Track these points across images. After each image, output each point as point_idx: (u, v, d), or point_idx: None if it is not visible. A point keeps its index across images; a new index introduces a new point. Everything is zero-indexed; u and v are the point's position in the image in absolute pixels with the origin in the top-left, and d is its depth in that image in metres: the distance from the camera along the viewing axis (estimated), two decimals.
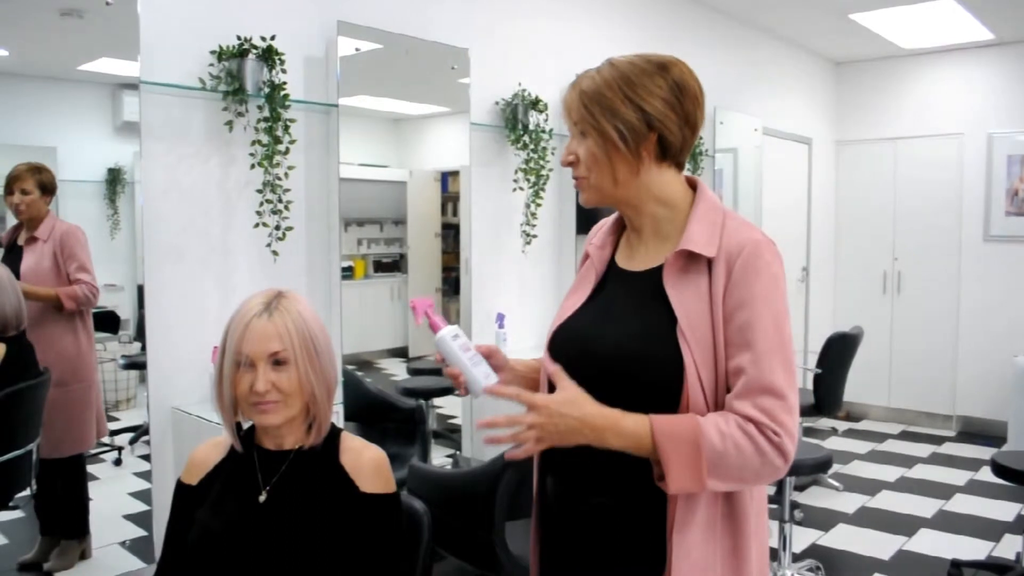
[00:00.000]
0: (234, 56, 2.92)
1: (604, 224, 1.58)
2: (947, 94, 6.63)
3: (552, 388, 1.38)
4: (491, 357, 1.50)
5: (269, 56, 2.96)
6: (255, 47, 2.94)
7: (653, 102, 1.37)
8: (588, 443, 1.28)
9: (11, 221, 2.74)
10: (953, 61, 6.58)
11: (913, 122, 6.77)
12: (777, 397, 1.28)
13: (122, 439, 3.04)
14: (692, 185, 1.47)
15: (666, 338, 1.33)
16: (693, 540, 1.33)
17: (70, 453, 2.83)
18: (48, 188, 2.73)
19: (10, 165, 2.68)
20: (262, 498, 1.57)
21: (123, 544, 2.90)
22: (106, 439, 2.99)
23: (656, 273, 1.40)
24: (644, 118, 1.36)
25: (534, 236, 4.25)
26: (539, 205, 4.22)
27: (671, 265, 1.38)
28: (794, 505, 4.44)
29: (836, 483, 5.15)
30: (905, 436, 6.47)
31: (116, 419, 3.05)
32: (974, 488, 5.13)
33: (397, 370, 4.04)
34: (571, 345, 1.45)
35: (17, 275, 2.67)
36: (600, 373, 1.36)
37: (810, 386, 4.80)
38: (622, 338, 1.38)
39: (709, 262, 1.35)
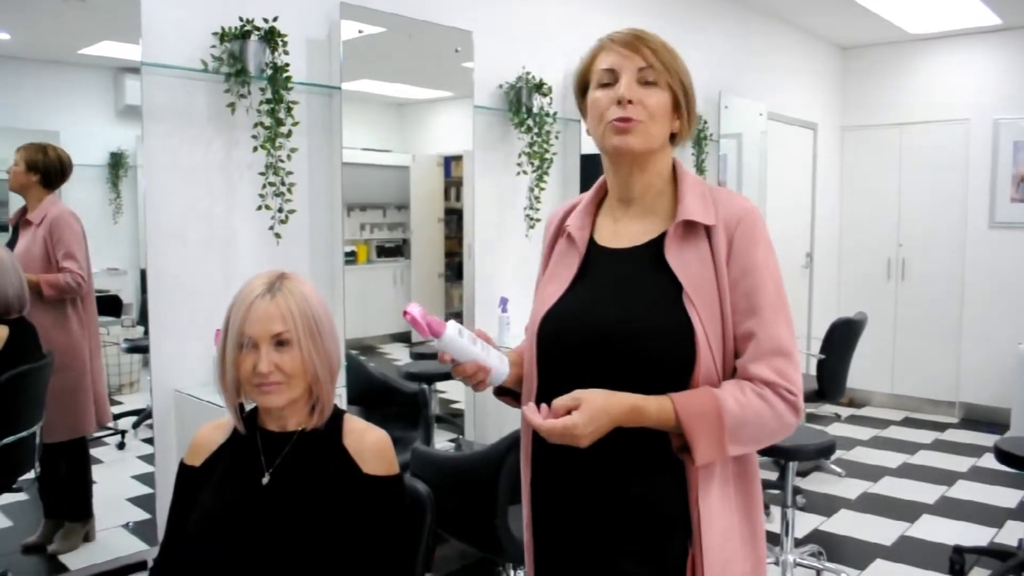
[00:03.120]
0: (236, 38, 2.91)
1: (576, 206, 1.56)
2: (953, 79, 6.58)
3: (543, 381, 1.43)
4: (487, 342, 1.46)
5: (271, 38, 2.94)
6: (257, 28, 2.92)
7: (689, 79, 1.43)
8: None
9: (15, 205, 2.73)
10: (960, 46, 6.54)
11: (919, 108, 6.73)
12: (786, 357, 1.34)
13: (125, 423, 3.04)
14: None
15: (673, 307, 1.34)
16: (714, 505, 1.37)
17: (63, 439, 2.78)
18: (33, 167, 2.67)
19: (12, 149, 2.67)
20: (265, 480, 1.56)
21: (126, 527, 2.91)
22: (109, 423, 2.99)
23: (651, 247, 1.42)
24: (688, 92, 1.43)
25: (538, 220, 4.23)
26: (543, 189, 4.20)
27: (672, 236, 1.39)
28: (796, 490, 4.44)
29: (839, 469, 5.15)
30: (908, 423, 6.47)
31: (119, 403, 3.05)
32: (977, 475, 5.13)
33: (400, 355, 4.04)
34: (568, 329, 1.42)
35: None
36: (606, 351, 1.36)
37: (813, 372, 4.80)
38: (627, 312, 1.37)
39: (707, 231, 1.38)
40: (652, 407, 1.29)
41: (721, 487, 1.38)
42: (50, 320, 2.69)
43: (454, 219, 4.15)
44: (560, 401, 1.29)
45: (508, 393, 1.56)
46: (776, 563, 3.60)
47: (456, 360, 1.39)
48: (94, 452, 2.94)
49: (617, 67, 1.40)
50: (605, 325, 1.38)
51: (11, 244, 2.71)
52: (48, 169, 2.70)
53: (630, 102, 1.37)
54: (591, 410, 1.26)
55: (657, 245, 1.41)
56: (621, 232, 1.47)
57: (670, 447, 1.34)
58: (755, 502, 1.44)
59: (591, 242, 1.50)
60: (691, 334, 1.32)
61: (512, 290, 4.13)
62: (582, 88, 1.50)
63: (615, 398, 1.29)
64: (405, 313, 1.32)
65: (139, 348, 2.98)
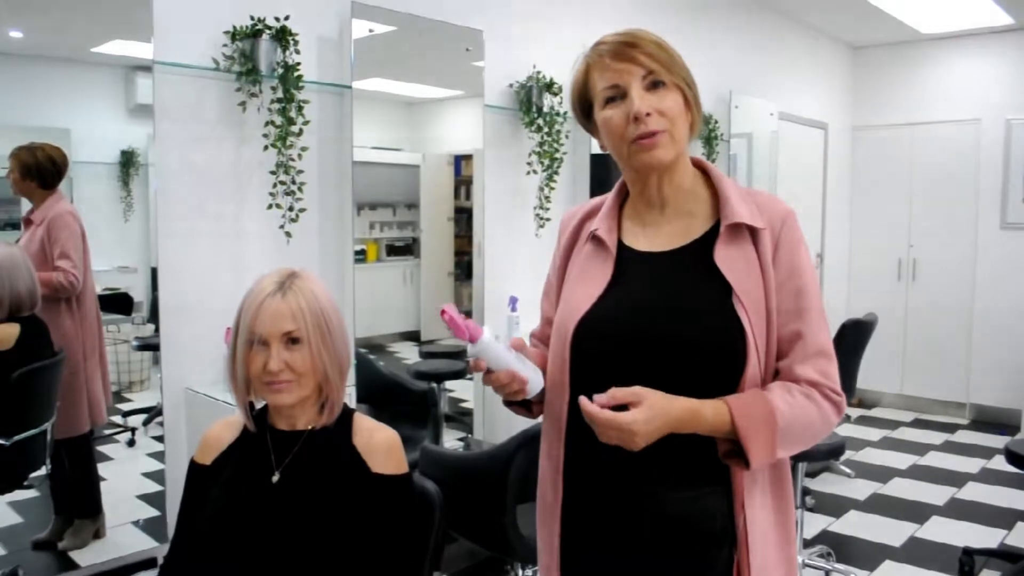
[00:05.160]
0: (248, 36, 2.91)
1: (595, 210, 1.52)
2: (965, 80, 6.55)
3: (577, 387, 1.36)
4: (522, 350, 1.39)
5: (283, 37, 2.95)
6: (269, 27, 2.93)
7: (687, 69, 1.39)
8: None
9: (26, 205, 2.74)
10: (972, 46, 6.50)
11: (931, 108, 6.70)
12: (828, 357, 1.35)
13: (135, 420, 3.05)
14: (695, 164, 1.47)
15: (723, 309, 1.32)
16: (757, 511, 1.36)
17: (56, 437, 2.74)
18: (27, 173, 2.65)
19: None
20: (275, 478, 1.57)
21: (136, 524, 2.92)
22: (119, 419, 3.00)
23: (695, 249, 1.39)
24: (692, 83, 1.39)
25: (548, 219, 4.23)
26: (552, 188, 4.20)
27: (721, 239, 1.37)
28: (806, 491, 4.43)
29: (848, 470, 5.14)
30: (918, 424, 6.45)
31: (129, 400, 3.06)
32: (987, 476, 5.11)
33: (409, 353, 4.04)
34: (613, 333, 1.37)
35: None
36: (655, 354, 1.32)
37: None
38: (679, 315, 1.34)
39: (751, 233, 1.37)
40: (709, 411, 1.26)
41: (761, 491, 1.37)
42: (47, 318, 2.67)
43: (464, 218, 4.15)
44: (620, 393, 1.23)
45: (521, 403, 1.49)
46: None
47: (490, 368, 1.31)
48: (104, 449, 2.95)
49: (621, 82, 1.34)
50: (656, 328, 1.34)
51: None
52: (41, 171, 2.67)
53: (648, 115, 1.32)
54: (652, 409, 1.22)
55: (701, 247, 1.39)
56: (653, 235, 1.44)
57: (712, 458, 1.32)
58: (788, 505, 1.43)
59: (620, 245, 1.46)
60: (742, 336, 1.30)
61: (522, 289, 4.13)
62: (584, 108, 1.44)
63: (675, 401, 1.25)
64: (443, 312, 1.25)
65: (149, 346, 2.99)
